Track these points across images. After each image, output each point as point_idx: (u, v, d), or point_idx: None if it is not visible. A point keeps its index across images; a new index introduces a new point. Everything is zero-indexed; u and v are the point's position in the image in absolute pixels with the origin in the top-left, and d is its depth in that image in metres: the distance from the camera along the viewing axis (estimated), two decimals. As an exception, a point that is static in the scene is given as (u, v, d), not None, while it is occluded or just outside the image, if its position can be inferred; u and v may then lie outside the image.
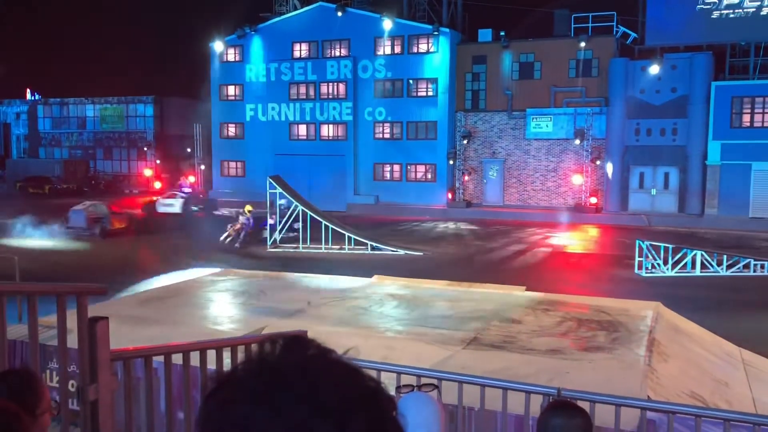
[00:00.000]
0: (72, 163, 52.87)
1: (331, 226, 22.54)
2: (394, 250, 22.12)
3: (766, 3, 30.73)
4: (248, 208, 23.59)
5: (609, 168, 33.20)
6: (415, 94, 37.16)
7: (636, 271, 18.70)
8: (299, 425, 0.74)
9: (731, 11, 31.31)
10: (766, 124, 30.57)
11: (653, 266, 18.63)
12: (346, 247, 22.17)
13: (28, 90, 61.49)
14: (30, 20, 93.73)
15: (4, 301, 2.73)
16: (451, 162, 36.62)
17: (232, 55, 41.36)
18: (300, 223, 22.51)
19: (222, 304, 11.45)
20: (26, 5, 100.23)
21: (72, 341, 3.19)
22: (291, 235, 23.02)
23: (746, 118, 30.97)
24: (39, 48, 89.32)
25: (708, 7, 31.60)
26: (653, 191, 32.93)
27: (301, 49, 39.44)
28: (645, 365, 7.76)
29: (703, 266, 18.41)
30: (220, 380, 0.81)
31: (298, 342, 0.84)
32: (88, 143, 56.45)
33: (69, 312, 3.14)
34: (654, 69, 31.78)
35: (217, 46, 40.89)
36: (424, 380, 3.86)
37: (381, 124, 38.12)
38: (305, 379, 0.78)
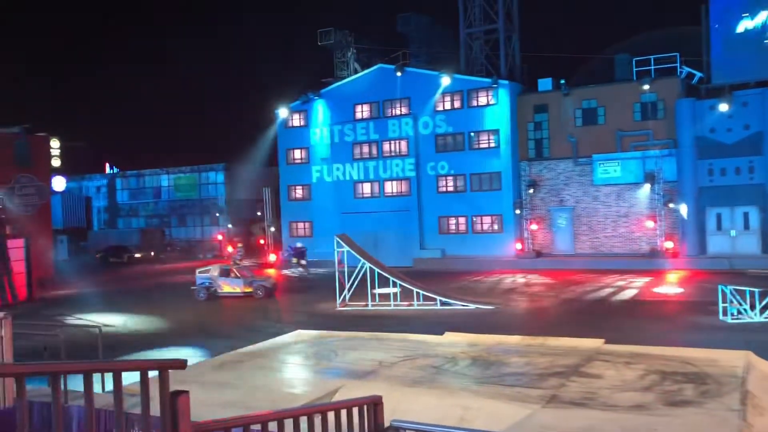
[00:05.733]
0: (148, 232, 55.06)
1: (399, 282, 22.50)
2: (465, 304, 21.80)
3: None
4: None
5: (683, 210, 32.09)
6: (477, 146, 37.25)
7: (720, 317, 17.80)
8: None
9: (801, 43, 30.33)
10: None
11: (739, 312, 17.70)
12: (415, 303, 22.03)
13: (107, 164, 65.17)
14: (105, 99, 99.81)
15: (91, 378, 2.83)
16: (518, 211, 36.22)
17: (297, 120, 42.77)
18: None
19: (294, 367, 11.51)
20: (101, 87, 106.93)
21: (154, 409, 3.26)
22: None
23: (828, 151, 29.55)
24: (116, 123, 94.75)
25: (775, 40, 30.72)
26: (732, 233, 31.54)
27: (362, 110, 40.39)
28: (739, 420, 7.30)
29: (794, 310, 17.35)
30: None
31: None
32: (163, 212, 58.91)
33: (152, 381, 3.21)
34: (723, 107, 30.87)
35: (282, 112, 42.44)
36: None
37: (444, 178, 38.27)
38: None
